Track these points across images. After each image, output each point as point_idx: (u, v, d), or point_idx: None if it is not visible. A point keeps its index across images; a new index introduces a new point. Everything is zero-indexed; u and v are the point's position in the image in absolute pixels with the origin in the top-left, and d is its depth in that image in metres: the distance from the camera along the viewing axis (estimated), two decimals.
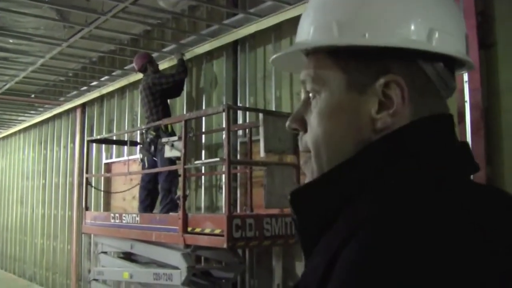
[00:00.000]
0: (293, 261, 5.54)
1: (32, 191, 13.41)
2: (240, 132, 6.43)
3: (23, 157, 14.37)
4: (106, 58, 9.17)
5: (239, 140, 6.42)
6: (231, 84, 6.65)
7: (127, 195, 8.17)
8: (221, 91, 6.83)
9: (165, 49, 7.46)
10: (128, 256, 6.42)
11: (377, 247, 0.72)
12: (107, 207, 9.07)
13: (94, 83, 9.69)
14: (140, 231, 5.82)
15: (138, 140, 7.37)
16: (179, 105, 7.55)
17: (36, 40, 7.38)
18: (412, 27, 0.89)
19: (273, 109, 5.91)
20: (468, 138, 3.83)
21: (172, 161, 6.12)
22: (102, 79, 9.34)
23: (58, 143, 12.02)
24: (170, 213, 5.83)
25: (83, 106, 10.72)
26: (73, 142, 11.12)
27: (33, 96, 11.13)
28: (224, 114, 4.93)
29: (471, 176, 0.93)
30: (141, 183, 6.77)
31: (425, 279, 0.68)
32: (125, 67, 8.49)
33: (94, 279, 6.90)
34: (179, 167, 5.53)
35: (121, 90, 9.20)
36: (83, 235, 9.50)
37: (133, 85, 8.62)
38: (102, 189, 9.07)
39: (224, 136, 5.20)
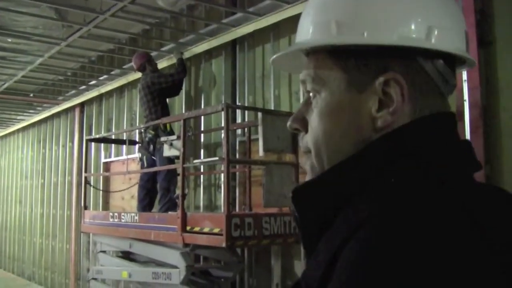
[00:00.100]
0: (292, 260, 5.54)
1: (31, 190, 13.40)
2: (239, 131, 6.43)
3: (22, 156, 14.37)
4: (105, 57, 9.17)
5: (238, 139, 6.42)
6: (230, 83, 6.65)
7: (126, 194, 8.17)
8: (220, 90, 6.83)
9: (163, 48, 7.46)
10: (127, 255, 6.42)
11: (377, 247, 0.72)
12: (106, 206, 9.07)
13: (93, 82, 9.69)
14: (139, 230, 5.81)
15: (137, 139, 7.35)
16: (178, 104, 7.55)
17: (35, 39, 7.37)
18: (411, 25, 0.89)
19: (272, 108, 5.90)
20: (467, 137, 3.83)
21: (171, 160, 6.12)
22: (101, 78, 9.34)
23: (57, 142, 12.02)
24: (169, 212, 5.83)
25: (82, 105, 10.71)
26: (72, 141, 11.11)
27: (31, 95, 11.14)
28: (223, 113, 4.93)
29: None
30: (140, 182, 6.76)
31: (425, 279, 0.68)
32: (124, 66, 8.49)
33: (93, 278, 6.90)
34: (178, 166, 5.53)
35: (120, 89, 9.20)
36: (82, 234, 9.51)
37: (132, 84, 8.62)
38: (101, 188, 9.07)
39: (223, 135, 5.21)
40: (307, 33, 0.98)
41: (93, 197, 9.27)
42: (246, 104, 6.40)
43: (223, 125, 5.02)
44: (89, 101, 10.41)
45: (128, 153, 7.60)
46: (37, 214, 12.79)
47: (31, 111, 12.55)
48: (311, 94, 0.99)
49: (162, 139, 6.10)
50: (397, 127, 0.89)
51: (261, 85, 6.26)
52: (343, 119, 0.92)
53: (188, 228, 5.05)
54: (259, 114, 5.08)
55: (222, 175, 5.79)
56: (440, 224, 0.73)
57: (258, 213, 5.08)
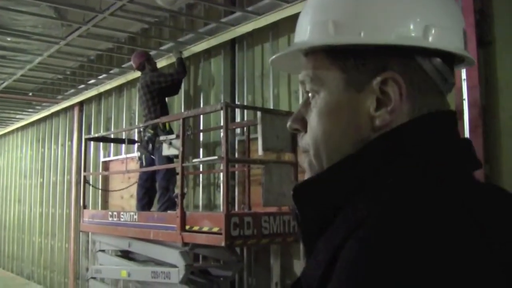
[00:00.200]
0: (291, 259, 5.54)
1: (30, 189, 13.40)
2: (238, 130, 6.43)
3: (20, 155, 14.36)
4: (104, 56, 9.16)
5: (237, 138, 6.41)
6: (229, 82, 6.65)
7: (125, 193, 8.17)
8: (219, 89, 6.82)
9: (162, 47, 7.46)
10: (126, 254, 6.42)
11: (376, 247, 0.72)
12: (105, 205, 9.06)
13: (92, 81, 9.68)
14: (138, 229, 5.81)
15: (136, 138, 7.36)
16: (177, 103, 7.55)
17: (34, 38, 7.36)
18: (408, 24, 0.90)
19: (271, 107, 5.90)
20: (467, 136, 3.83)
21: (170, 159, 6.12)
22: (100, 77, 9.34)
23: (56, 141, 12.01)
24: (168, 211, 5.83)
25: (81, 104, 10.71)
26: (71, 140, 11.11)
27: (31, 94, 11.14)
28: (222, 112, 4.93)
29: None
30: (139, 181, 6.76)
31: (424, 278, 0.68)
32: (123, 66, 8.48)
33: (92, 278, 6.90)
34: (177, 165, 5.53)
35: (119, 88, 9.19)
36: (81, 233, 9.50)
37: (131, 83, 8.61)
38: (100, 187, 9.07)
39: (222, 134, 5.20)
40: (305, 33, 0.98)
41: (92, 196, 9.27)
42: (245, 103, 6.40)
43: (222, 124, 5.02)
44: (88, 100, 10.40)
45: (127, 152, 7.60)
46: (36, 213, 12.78)
47: (30, 110, 12.54)
48: (310, 94, 0.99)
49: (161, 138, 6.10)
50: (395, 126, 0.89)
51: (260, 84, 6.26)
52: (342, 118, 0.93)
53: (187, 227, 5.05)
54: (258, 113, 5.08)
55: (221, 174, 5.77)
56: (439, 222, 0.74)
57: (257, 212, 5.09)
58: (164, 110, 6.68)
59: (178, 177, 5.45)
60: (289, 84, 5.81)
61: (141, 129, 6.72)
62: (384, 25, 0.89)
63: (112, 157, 9.24)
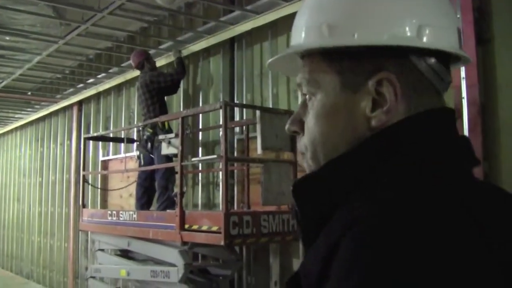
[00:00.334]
0: (291, 258, 5.54)
1: (29, 189, 13.39)
2: (237, 129, 6.43)
3: (19, 155, 14.35)
4: (103, 56, 9.17)
5: (236, 137, 6.42)
6: (228, 81, 6.65)
7: (124, 192, 8.16)
8: (218, 88, 6.82)
9: (161, 46, 7.45)
10: (125, 254, 6.42)
11: (373, 247, 0.72)
12: (104, 204, 9.06)
13: (91, 80, 9.67)
14: (137, 228, 5.81)
15: (135, 138, 7.36)
16: (176, 102, 7.54)
17: (33, 38, 7.35)
18: (401, 25, 0.90)
19: (270, 106, 5.90)
20: (466, 134, 3.83)
21: (169, 158, 6.12)
22: (99, 76, 9.33)
23: (54, 141, 12.00)
24: (167, 211, 5.83)
25: (80, 103, 10.71)
26: (70, 139, 11.11)
27: (29, 93, 11.13)
28: (221, 111, 4.92)
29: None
30: (138, 180, 6.76)
31: (422, 276, 0.68)
32: (122, 65, 8.48)
33: (91, 277, 6.90)
34: (176, 164, 5.53)
35: (118, 88, 9.19)
36: (80, 232, 9.49)
37: (130, 82, 8.61)
38: (99, 187, 9.06)
39: (221, 133, 5.20)
40: (300, 36, 0.99)
41: (91, 195, 9.27)
42: (244, 102, 6.40)
43: (221, 123, 5.01)
44: (87, 99, 10.40)
45: (126, 151, 7.61)
46: (35, 212, 12.78)
47: (29, 109, 12.53)
48: (307, 96, 1.00)
49: (160, 137, 6.10)
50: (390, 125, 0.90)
51: (259, 83, 6.26)
52: (339, 120, 0.93)
53: (186, 226, 5.05)
54: (257, 112, 5.07)
55: (220, 173, 5.79)
56: (437, 221, 0.73)
57: (257, 211, 5.09)
58: (163, 109, 6.68)
59: (177, 176, 5.45)
60: (288, 83, 5.81)
61: (140, 128, 6.72)
62: (377, 26, 0.90)
63: (111, 156, 9.24)
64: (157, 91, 6.61)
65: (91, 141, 9.25)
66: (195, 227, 4.97)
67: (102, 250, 6.85)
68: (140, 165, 6.71)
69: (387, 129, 0.89)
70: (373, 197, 0.80)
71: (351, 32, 0.91)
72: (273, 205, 5.05)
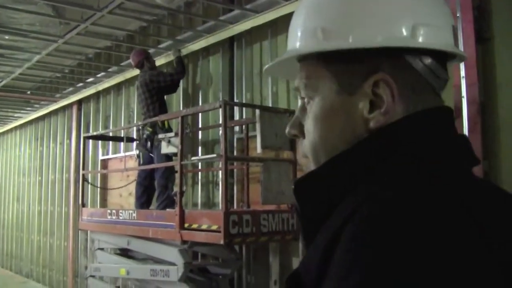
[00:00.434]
0: (290, 257, 5.54)
1: (28, 188, 13.39)
2: (236, 128, 6.43)
3: (19, 154, 14.35)
4: (102, 55, 9.17)
5: (235, 136, 6.41)
6: (228, 80, 6.64)
7: (124, 191, 8.16)
8: (218, 87, 6.82)
9: (161, 45, 7.45)
10: (125, 253, 6.42)
11: (372, 246, 0.72)
12: (104, 203, 9.06)
13: (90, 79, 9.67)
14: (136, 227, 5.82)
15: (135, 137, 7.36)
16: (176, 101, 7.54)
17: (32, 37, 7.35)
18: (395, 25, 0.90)
19: (270, 105, 5.90)
20: (465, 133, 3.83)
21: (168, 157, 6.12)
22: (98, 75, 9.33)
23: (54, 140, 12.00)
24: (167, 209, 5.83)
25: (79, 102, 10.71)
26: (69, 138, 11.10)
27: (29, 92, 11.12)
28: (220, 110, 4.93)
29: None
30: (138, 179, 6.76)
31: (422, 277, 0.68)
32: (121, 64, 8.48)
33: (91, 276, 6.90)
34: (176, 163, 5.53)
35: (117, 87, 9.19)
36: (79, 231, 9.48)
37: (129, 81, 8.61)
38: (99, 186, 9.06)
39: (220, 132, 5.20)
40: (296, 40, 1.00)
41: (90, 195, 9.26)
42: (243, 101, 6.40)
43: (220, 122, 5.01)
44: (87, 99, 10.40)
45: (126, 150, 7.60)
46: (34, 212, 12.78)
47: (28, 108, 12.53)
48: (305, 100, 1.00)
49: (160, 136, 6.10)
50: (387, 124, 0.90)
51: (258, 82, 6.25)
52: (337, 122, 0.94)
53: (186, 225, 5.05)
54: (257, 111, 5.08)
55: (220, 172, 5.80)
56: (437, 221, 0.73)
57: (256, 210, 5.09)
58: (162, 108, 6.68)
59: (177, 175, 5.45)
60: (287, 82, 5.81)
61: (140, 127, 6.72)
62: (372, 28, 0.90)
63: (110, 155, 9.23)
64: (156, 90, 6.61)
65: (90, 140, 9.24)
66: (194, 226, 4.97)
67: (102, 249, 6.85)
68: (139, 164, 6.71)
69: (385, 129, 0.89)
70: (373, 197, 0.80)
71: (345, 35, 0.91)
72: (272, 204, 5.06)
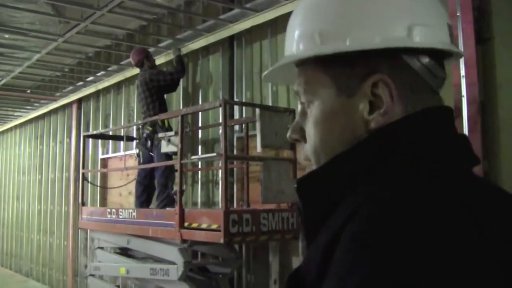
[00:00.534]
0: (290, 256, 5.53)
1: (28, 187, 13.39)
2: (236, 127, 6.42)
3: (19, 153, 14.35)
4: (102, 53, 9.16)
5: (235, 135, 6.41)
6: (228, 79, 6.64)
7: (124, 190, 8.16)
8: (218, 86, 6.82)
9: (161, 44, 7.45)
10: (124, 252, 6.42)
11: (372, 246, 0.72)
12: (104, 202, 9.06)
13: (90, 78, 9.67)
14: (136, 226, 5.81)
15: (135, 135, 7.36)
16: (176, 100, 7.54)
17: (32, 35, 7.35)
18: (392, 26, 0.91)
19: (270, 104, 5.90)
20: (465, 133, 3.83)
21: (168, 156, 6.12)
22: (98, 74, 9.33)
23: (54, 139, 12.00)
24: (167, 208, 5.83)
25: (79, 101, 10.71)
26: (69, 137, 11.10)
27: (29, 91, 11.11)
28: (220, 109, 4.93)
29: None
30: (138, 178, 6.76)
31: (422, 278, 0.68)
32: (121, 63, 8.46)
33: (91, 275, 6.90)
34: (176, 162, 5.53)
35: (117, 86, 9.19)
36: (79, 230, 9.48)
37: (129, 80, 8.61)
38: (99, 185, 9.06)
39: (220, 131, 5.20)
40: (293, 45, 1.00)
41: (90, 193, 9.26)
42: (243, 100, 6.39)
43: (220, 121, 5.01)
44: (87, 97, 10.40)
45: (126, 149, 7.60)
46: (34, 211, 12.78)
47: (28, 107, 12.52)
48: (305, 104, 1.01)
49: (160, 135, 6.10)
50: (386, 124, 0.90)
51: (258, 81, 6.25)
52: (337, 125, 0.94)
53: (186, 224, 5.05)
54: (257, 110, 5.08)
55: (220, 171, 5.80)
56: (437, 221, 0.73)
57: (256, 209, 5.09)
58: (162, 107, 6.68)
59: (177, 174, 5.45)
60: None
61: (140, 126, 6.72)
62: (368, 30, 0.90)
63: (110, 154, 9.23)
64: (156, 89, 6.61)
65: (90, 139, 9.23)
66: (194, 225, 4.97)
67: (102, 248, 6.85)
68: (139, 163, 6.71)
69: (385, 129, 0.90)
70: (372, 197, 0.80)
71: (343, 38, 0.91)
72: (272, 203, 5.06)
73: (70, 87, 10.51)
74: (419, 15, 0.92)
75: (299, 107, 1.05)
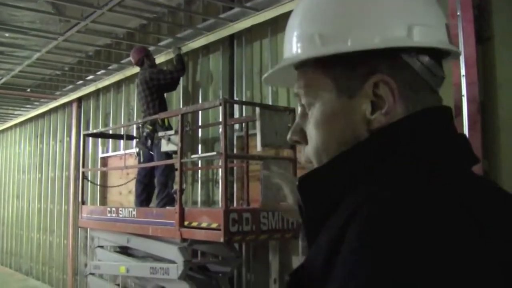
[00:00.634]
0: (290, 255, 5.53)
1: (28, 185, 13.39)
2: (236, 126, 6.42)
3: (19, 151, 14.35)
4: (102, 52, 9.15)
5: (235, 134, 6.41)
6: (228, 78, 6.64)
7: (123, 189, 8.16)
8: (218, 85, 6.82)
9: (161, 43, 7.45)
10: (124, 250, 6.43)
11: (372, 246, 0.72)
12: (104, 201, 9.05)
13: (90, 77, 9.67)
14: (136, 225, 5.81)
15: (135, 134, 7.36)
16: (176, 99, 7.54)
17: (32, 34, 7.35)
18: (392, 26, 0.91)
19: (270, 103, 5.90)
20: (465, 132, 3.83)
21: (168, 155, 6.11)
22: (98, 73, 9.33)
23: (54, 137, 12.00)
24: (167, 207, 5.83)
25: (79, 100, 10.70)
26: (69, 136, 11.10)
27: (29, 90, 11.11)
28: (220, 108, 4.93)
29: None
30: (138, 177, 6.76)
31: (422, 277, 0.68)
32: (121, 61, 8.47)
33: (91, 273, 6.90)
34: (176, 161, 5.53)
35: (117, 84, 9.19)
36: (79, 229, 9.46)
37: (129, 79, 8.61)
38: (98, 183, 9.06)
39: (220, 130, 5.20)
40: (293, 48, 1.00)
41: (90, 192, 9.27)
42: (243, 99, 6.39)
43: (220, 120, 5.01)
44: (87, 96, 10.40)
45: (126, 148, 7.60)
46: (34, 209, 12.78)
47: (28, 106, 12.53)
48: (306, 106, 1.01)
49: (160, 134, 6.10)
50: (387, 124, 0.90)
51: (258, 80, 6.25)
52: (338, 126, 0.94)
53: (186, 223, 5.05)
54: (257, 109, 5.08)
55: (220, 170, 5.80)
56: (437, 221, 0.73)
57: (256, 208, 5.08)
58: (162, 106, 6.68)
59: (177, 173, 5.44)
60: None
61: (140, 125, 6.71)
62: (368, 30, 0.91)
63: (110, 153, 9.23)
64: (156, 88, 6.61)
65: (90, 138, 9.23)
66: (194, 224, 4.97)
67: (102, 247, 6.85)
68: (139, 162, 6.71)
69: (385, 129, 0.90)
70: (372, 197, 0.80)
71: (343, 39, 0.92)
72: (272, 205, 5.04)
73: (70, 86, 10.52)
74: (418, 15, 0.93)
75: (299, 108, 1.05)
